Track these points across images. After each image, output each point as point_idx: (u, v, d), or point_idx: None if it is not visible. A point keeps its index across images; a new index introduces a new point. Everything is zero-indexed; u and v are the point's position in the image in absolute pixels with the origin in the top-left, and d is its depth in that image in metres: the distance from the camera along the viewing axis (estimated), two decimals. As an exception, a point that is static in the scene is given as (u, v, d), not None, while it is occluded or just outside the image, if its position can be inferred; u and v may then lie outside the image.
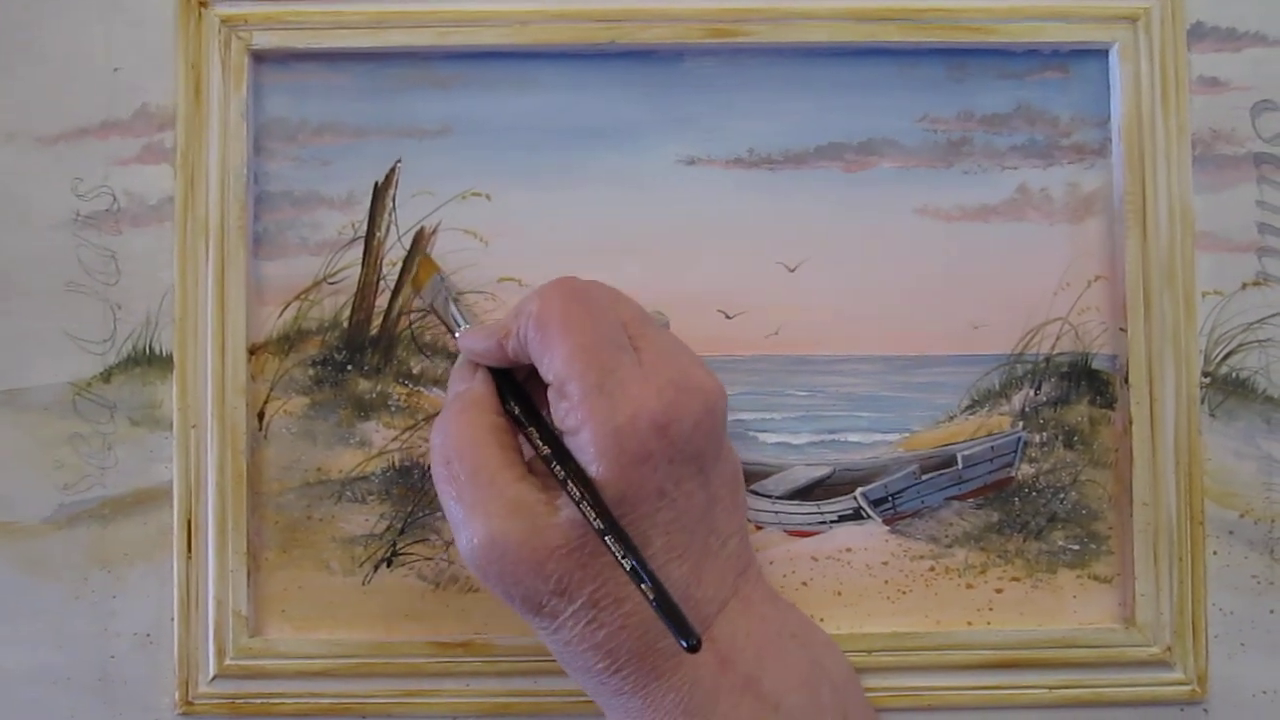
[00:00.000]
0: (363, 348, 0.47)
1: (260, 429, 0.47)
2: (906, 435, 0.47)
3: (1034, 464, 0.47)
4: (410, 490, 0.47)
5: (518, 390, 0.42)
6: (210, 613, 0.46)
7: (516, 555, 0.38)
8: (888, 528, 0.47)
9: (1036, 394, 0.47)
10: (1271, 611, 0.46)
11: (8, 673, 0.46)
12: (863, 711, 0.43)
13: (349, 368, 0.47)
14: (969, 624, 0.47)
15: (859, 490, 0.47)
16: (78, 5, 0.47)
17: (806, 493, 0.47)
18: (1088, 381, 0.47)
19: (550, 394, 0.40)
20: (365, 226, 0.47)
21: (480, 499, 0.39)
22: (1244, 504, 0.47)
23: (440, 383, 0.47)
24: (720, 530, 0.41)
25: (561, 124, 0.47)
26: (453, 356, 0.47)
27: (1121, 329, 0.47)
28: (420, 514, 0.47)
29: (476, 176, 0.47)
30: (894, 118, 0.47)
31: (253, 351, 0.47)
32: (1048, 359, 0.47)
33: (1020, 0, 0.47)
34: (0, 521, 0.46)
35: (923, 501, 0.47)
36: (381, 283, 0.47)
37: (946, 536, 0.47)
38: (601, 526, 0.37)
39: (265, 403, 0.47)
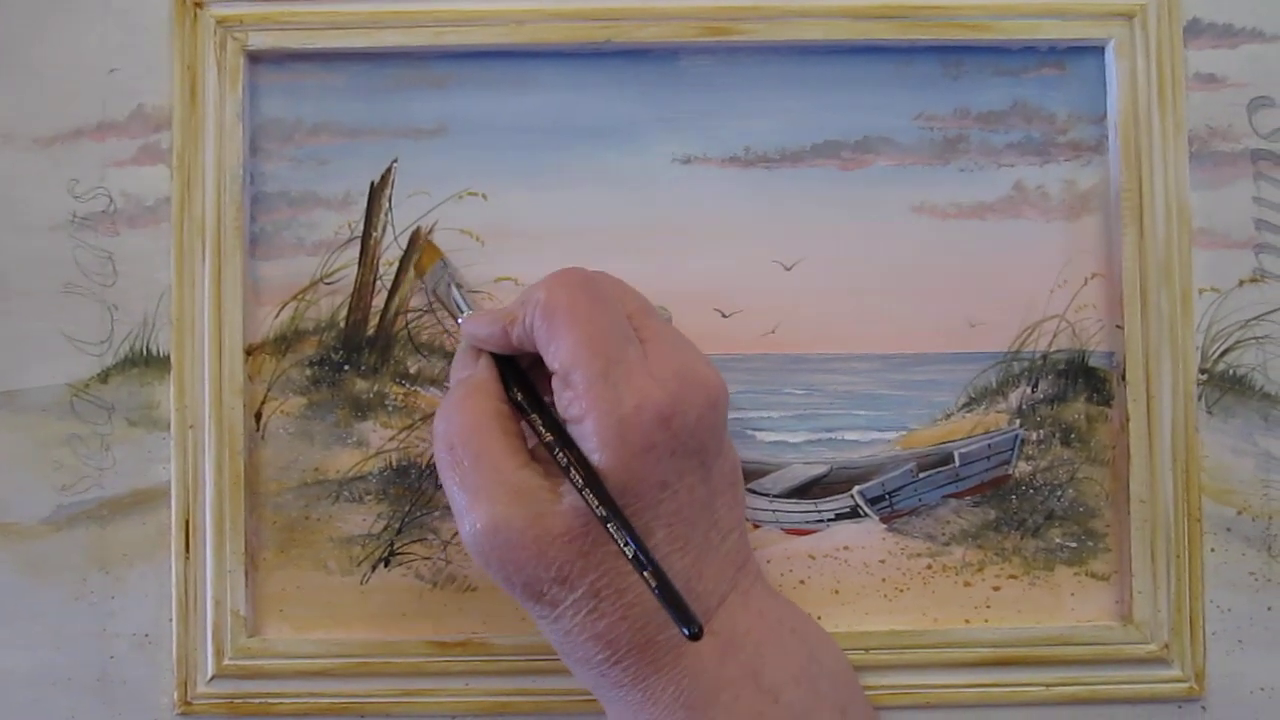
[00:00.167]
0: (360, 348, 0.47)
1: (258, 429, 0.47)
2: (904, 433, 0.47)
3: (1031, 461, 0.47)
4: (408, 490, 0.47)
5: (521, 377, 0.42)
6: (209, 613, 0.46)
7: (519, 541, 0.38)
8: (885, 526, 0.47)
9: (1033, 391, 0.47)
10: (1269, 608, 0.46)
11: (7, 673, 0.46)
12: (860, 706, 0.43)
13: (346, 368, 0.47)
14: (966, 622, 0.47)
15: (856, 488, 0.47)
16: (73, 7, 0.47)
17: (804, 491, 0.47)
18: (1085, 379, 0.47)
19: (555, 383, 0.40)
20: (362, 227, 0.47)
21: (484, 485, 0.39)
22: (1241, 501, 0.46)
23: (437, 383, 0.47)
24: (721, 525, 0.41)
25: (558, 123, 0.47)
26: (449, 357, 0.47)
27: (1118, 326, 0.47)
28: (418, 513, 0.47)
29: (473, 176, 0.47)
30: (890, 115, 0.47)
31: (250, 352, 0.47)
32: (1045, 356, 0.47)
33: (1016, -3, 0.47)
34: (-1, 523, 0.46)
35: (920, 499, 0.47)
36: (378, 283, 0.47)
37: (944, 534, 0.47)
38: (604, 514, 0.37)
39: (263, 403, 0.47)
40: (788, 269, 0.47)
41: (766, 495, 0.47)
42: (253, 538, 0.46)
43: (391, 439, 0.47)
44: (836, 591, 0.47)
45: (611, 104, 0.47)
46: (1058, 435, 0.47)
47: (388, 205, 0.47)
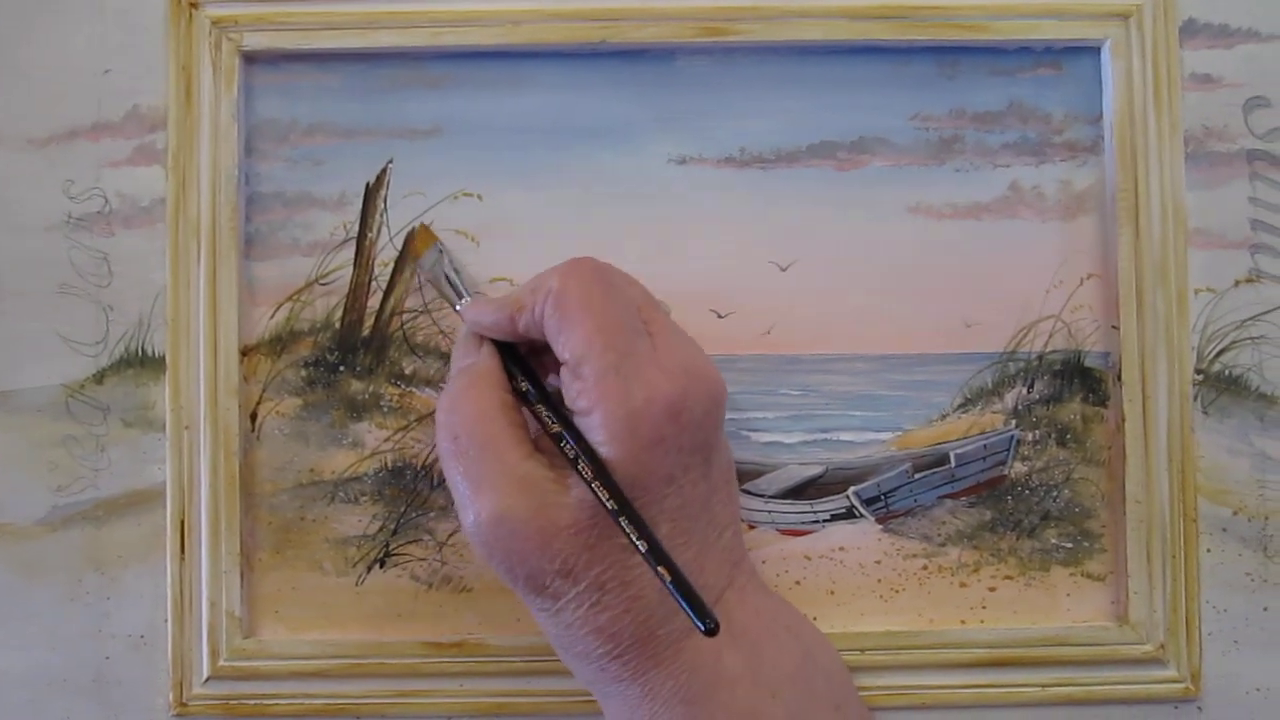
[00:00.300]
0: (355, 348, 0.47)
1: (253, 430, 0.47)
2: (899, 434, 0.47)
3: (1027, 462, 0.47)
4: (403, 491, 0.47)
5: (525, 366, 0.42)
6: (204, 614, 0.46)
7: (524, 532, 0.38)
8: (881, 526, 0.47)
9: (1029, 392, 0.47)
10: (1265, 609, 0.46)
11: (2, 674, 0.46)
12: (855, 704, 0.43)
13: (341, 369, 0.47)
14: (962, 622, 0.47)
15: (852, 489, 0.47)
16: (67, 7, 0.47)
17: (799, 492, 0.47)
18: (1080, 379, 0.47)
19: (564, 373, 0.40)
20: (357, 227, 0.47)
21: (488, 475, 0.39)
22: (1237, 501, 0.46)
23: (433, 383, 0.47)
24: (718, 521, 0.41)
25: (553, 124, 0.47)
26: (445, 358, 0.47)
27: (1114, 326, 0.47)
28: (413, 514, 0.47)
29: (468, 177, 0.47)
30: (886, 116, 0.47)
31: (245, 353, 0.47)
32: (1040, 357, 0.47)
33: (1012, -3, 0.47)
34: (-6, 523, 0.46)
35: (915, 500, 0.47)
36: (374, 283, 0.47)
37: (939, 535, 0.47)
38: (614, 507, 0.37)
39: (258, 404, 0.47)
40: (783, 269, 0.47)
41: (762, 496, 0.47)
42: (248, 539, 0.46)
43: (387, 440, 0.47)
44: (832, 592, 0.47)
45: (607, 104, 0.47)
46: (1053, 436, 0.47)
47: (383, 206, 0.47)
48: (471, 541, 0.39)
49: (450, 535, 0.47)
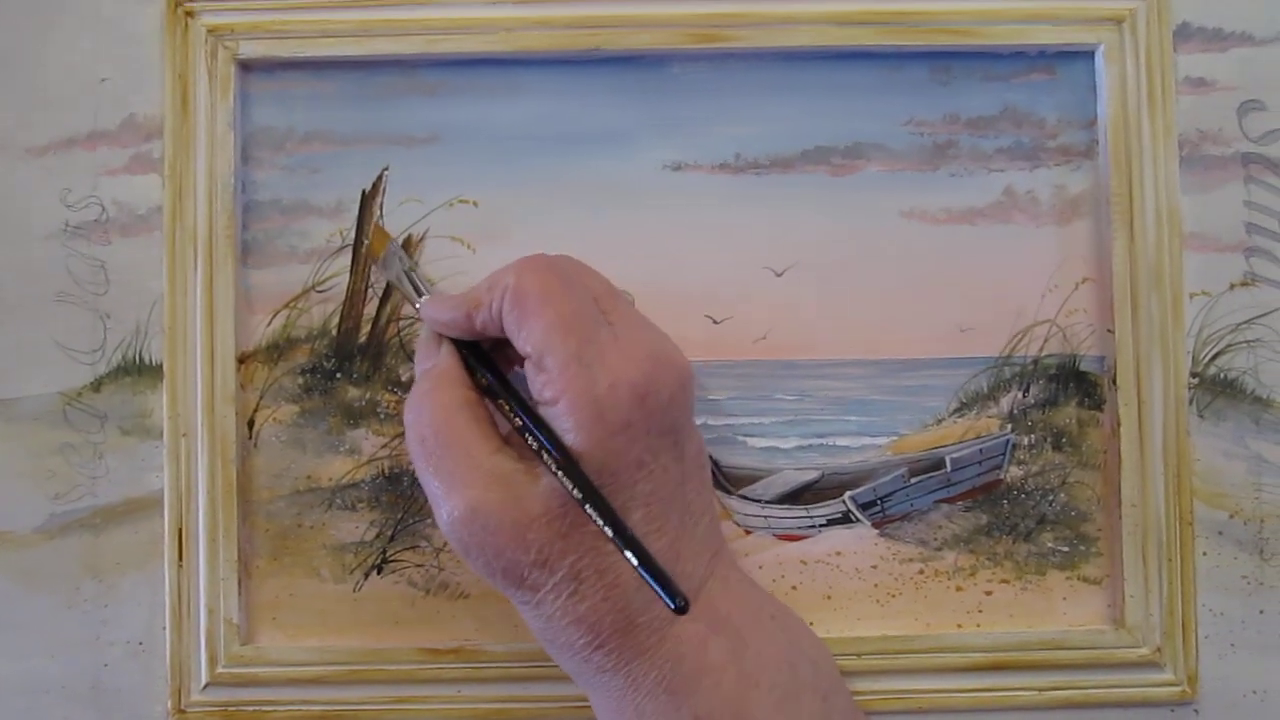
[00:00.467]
0: (352, 355, 0.47)
1: (250, 437, 0.47)
2: (895, 438, 0.47)
3: (1023, 466, 0.47)
4: (400, 497, 0.47)
5: (486, 362, 0.42)
6: (202, 621, 0.46)
7: (497, 525, 0.38)
8: (877, 531, 0.47)
9: (1025, 396, 0.47)
10: (1261, 612, 0.46)
11: (1, 682, 0.46)
12: (841, 693, 0.43)
13: (338, 375, 0.47)
14: (959, 626, 0.47)
15: (848, 494, 0.47)
16: (64, 16, 0.47)
17: (795, 497, 0.47)
18: (1076, 383, 0.47)
19: (528, 367, 0.40)
20: (353, 234, 0.47)
21: (458, 471, 0.39)
22: (1233, 504, 0.47)
23: (429, 390, 0.47)
24: (693, 509, 0.42)
25: (548, 130, 0.47)
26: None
27: (1109, 330, 0.47)
28: (410, 521, 0.47)
29: (464, 183, 0.47)
30: (880, 121, 0.47)
31: (242, 360, 0.47)
32: (1036, 361, 0.47)
33: (1005, 2, 0.47)
34: (-8, 531, 0.46)
35: (911, 505, 0.47)
36: (370, 290, 0.47)
37: (935, 539, 0.47)
38: (580, 495, 0.38)
39: (255, 411, 0.47)
40: (778, 275, 0.47)
41: (758, 501, 0.47)
42: (245, 545, 0.46)
43: (383, 447, 0.47)
44: (829, 597, 0.47)
45: (602, 111, 0.47)
46: (1049, 440, 0.47)
47: (379, 213, 0.47)
48: (448, 539, 0.40)
49: (447, 542, 0.47)
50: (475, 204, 0.47)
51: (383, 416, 0.47)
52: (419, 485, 0.46)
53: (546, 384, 0.39)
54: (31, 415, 0.47)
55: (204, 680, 0.46)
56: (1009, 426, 0.47)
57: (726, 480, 0.47)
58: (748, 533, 0.47)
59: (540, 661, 0.45)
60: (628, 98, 0.47)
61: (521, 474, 0.39)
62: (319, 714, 0.46)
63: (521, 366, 0.41)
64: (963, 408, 0.47)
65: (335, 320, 0.47)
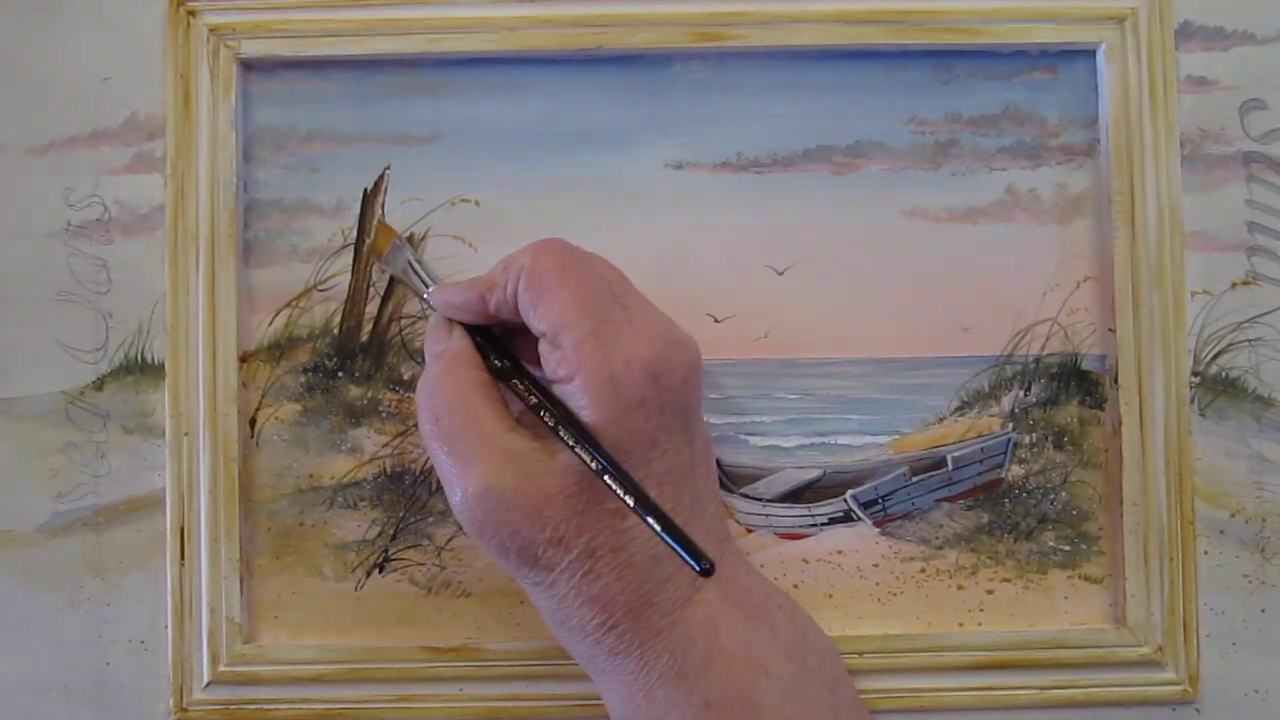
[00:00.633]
0: (353, 354, 0.47)
1: (252, 436, 0.47)
2: (896, 437, 0.47)
3: (1024, 465, 0.47)
4: (402, 496, 0.47)
5: (498, 344, 0.43)
6: (204, 619, 0.46)
7: (512, 502, 0.38)
8: (878, 530, 0.47)
9: (1026, 395, 0.47)
10: (1263, 611, 0.46)
11: (3, 681, 0.46)
12: (847, 685, 0.43)
13: (340, 374, 0.47)
14: (960, 625, 0.47)
15: (849, 492, 0.47)
16: (66, 16, 0.47)
17: (797, 495, 0.47)
18: (1077, 382, 0.47)
19: (542, 346, 0.40)
20: (355, 233, 0.47)
21: (473, 451, 0.39)
22: (1235, 503, 0.46)
23: (431, 389, 0.47)
24: (702, 494, 0.42)
25: (550, 129, 0.47)
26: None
27: (1111, 329, 0.47)
28: (412, 519, 0.47)
29: (465, 182, 0.47)
30: (882, 120, 0.47)
31: (244, 359, 0.47)
32: (1037, 360, 0.47)
33: (1007, 1, 0.46)
34: (-5, 530, 0.47)
35: (913, 503, 0.47)
36: (372, 289, 0.47)
37: (937, 538, 0.47)
38: (599, 466, 0.38)
39: (257, 410, 0.47)
40: (780, 273, 0.47)
41: (760, 500, 0.47)
42: (247, 544, 0.46)
43: (385, 445, 0.47)
44: (830, 595, 0.47)
45: (604, 110, 0.47)
46: (1050, 439, 0.47)
47: (381, 212, 0.47)
48: (461, 520, 0.39)
49: (449, 540, 0.47)
50: (477, 203, 0.47)
51: (384, 415, 0.47)
52: (420, 484, 0.47)
53: (561, 361, 0.39)
54: (34, 414, 0.47)
55: (206, 679, 0.46)
56: (1010, 425, 0.47)
57: (728, 479, 0.47)
58: (749, 531, 0.47)
59: (542, 660, 0.46)
60: (629, 96, 0.47)
61: (537, 451, 0.39)
62: (321, 712, 0.46)
63: (531, 357, 0.41)
64: (964, 406, 0.47)
65: (337, 319, 0.47)
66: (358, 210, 0.47)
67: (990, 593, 0.47)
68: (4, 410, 0.47)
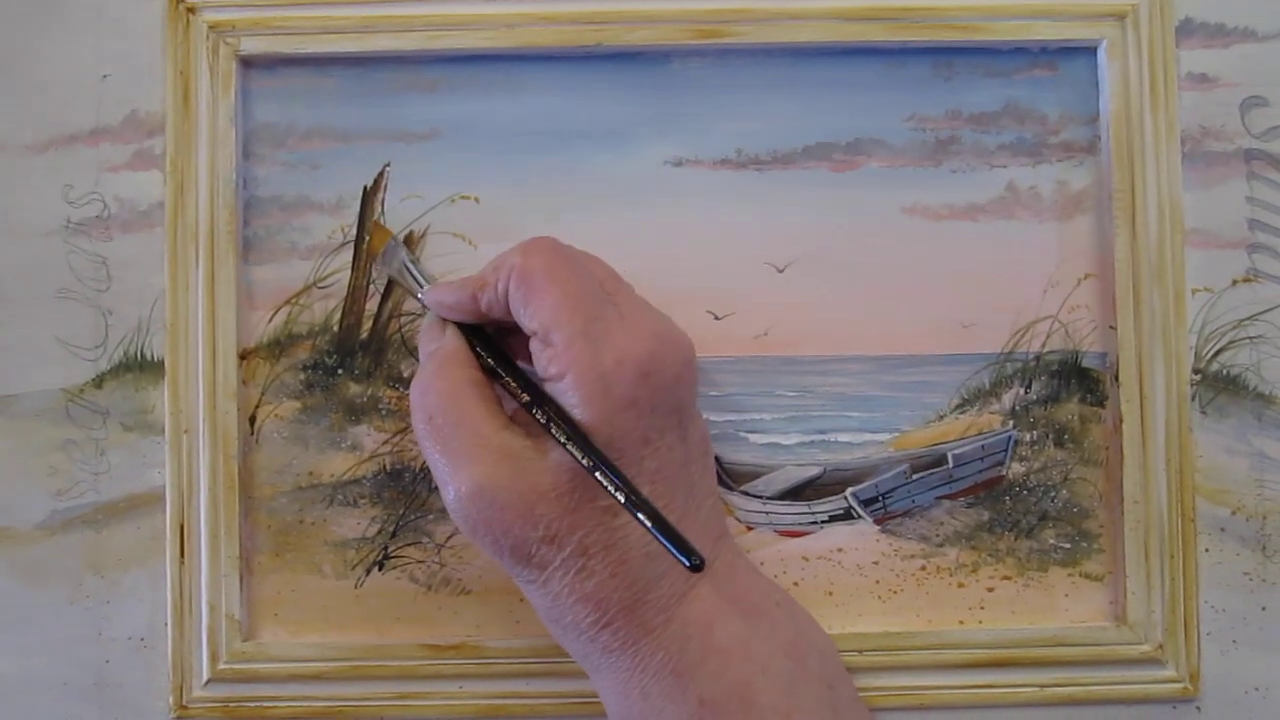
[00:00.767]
0: (353, 352, 0.47)
1: (252, 433, 0.47)
2: (897, 435, 0.47)
3: (1024, 462, 0.47)
4: (402, 493, 0.47)
5: (490, 343, 0.43)
6: (203, 617, 0.46)
7: (505, 500, 0.39)
8: (879, 527, 0.47)
9: (1027, 392, 0.47)
10: (1264, 608, 0.46)
11: (2, 678, 0.46)
12: (847, 683, 0.43)
13: (340, 372, 0.47)
14: (960, 623, 0.47)
15: (849, 490, 0.47)
16: (66, 13, 0.47)
17: (797, 493, 0.47)
18: (1078, 379, 0.47)
19: (533, 344, 0.40)
20: (355, 230, 0.47)
21: (465, 449, 0.39)
22: (1235, 501, 0.46)
23: (430, 386, 0.47)
24: (697, 491, 0.42)
25: (550, 126, 0.47)
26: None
27: (1111, 327, 0.47)
28: (412, 517, 0.47)
29: (465, 179, 0.47)
30: (882, 117, 0.47)
31: (244, 356, 0.47)
32: (1038, 357, 0.47)
33: (1007, -2, 0.47)
34: (-6, 528, 0.47)
35: (913, 501, 0.47)
36: (371, 286, 0.47)
37: (937, 536, 0.47)
38: (590, 463, 0.38)
39: (256, 407, 0.47)
40: (780, 271, 0.47)
41: (760, 497, 0.47)
42: (247, 542, 0.46)
43: (385, 443, 0.47)
44: (830, 593, 0.47)
45: (603, 107, 0.47)
46: (1051, 436, 0.47)
47: (380, 209, 0.47)
48: (455, 518, 0.40)
49: (449, 538, 0.47)
50: (476, 200, 0.47)
51: (384, 412, 0.47)
52: (420, 481, 0.47)
53: (552, 360, 0.39)
54: (33, 412, 0.47)
55: (205, 676, 0.46)
56: (1011, 423, 0.47)
57: (728, 476, 0.47)
58: (749, 529, 0.47)
59: (541, 658, 0.46)
60: (629, 94, 0.47)
61: (529, 450, 0.39)
62: (320, 710, 0.46)
63: (523, 356, 0.41)
64: (964, 404, 0.47)
65: (337, 316, 0.47)
66: (357, 207, 0.47)
67: (991, 590, 0.47)
68: (3, 407, 0.47)
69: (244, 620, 0.46)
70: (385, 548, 0.47)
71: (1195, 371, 0.47)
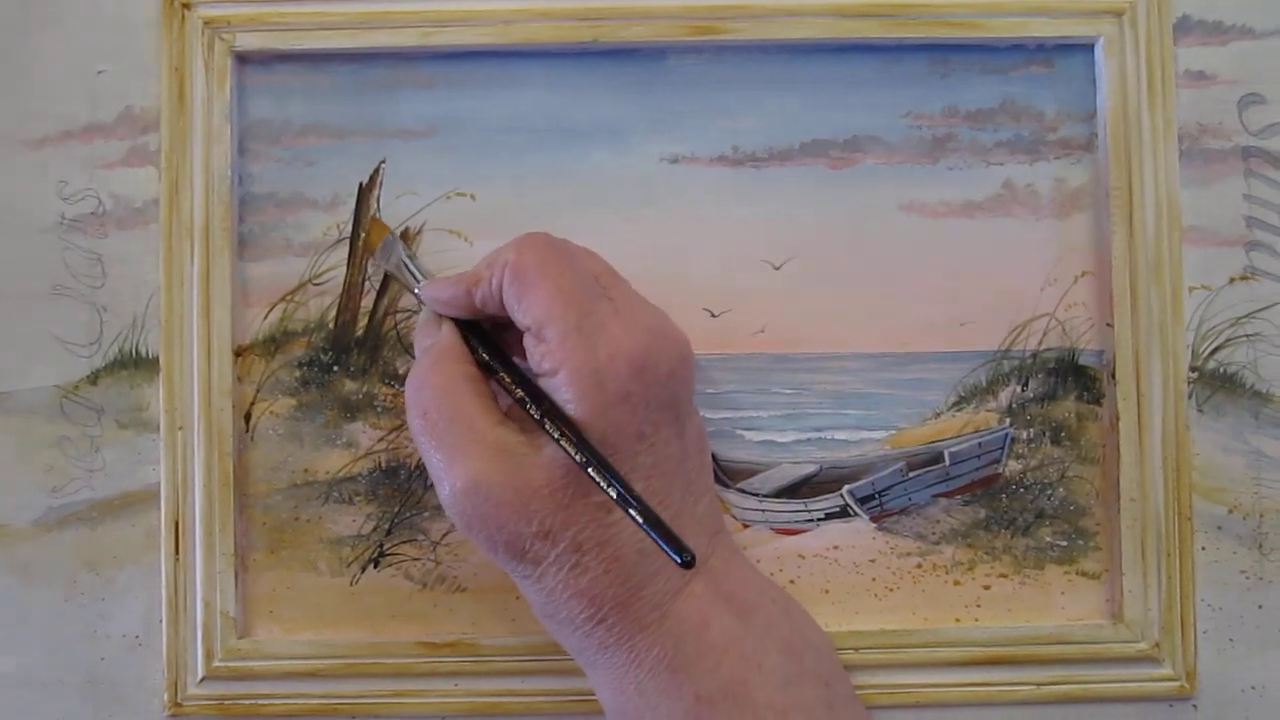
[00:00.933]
0: (349, 349, 0.47)
1: (247, 430, 0.47)
2: (893, 432, 0.47)
3: (1021, 460, 0.47)
4: (397, 490, 0.47)
5: (486, 338, 0.43)
6: (198, 614, 0.46)
7: (500, 496, 0.39)
8: (875, 525, 0.47)
9: (1023, 390, 0.47)
10: (1260, 607, 0.46)
11: (-3, 675, 0.46)
12: (843, 681, 0.43)
13: (335, 369, 0.47)
14: (957, 621, 0.47)
15: (846, 488, 0.47)
16: (61, 9, 0.47)
17: (793, 491, 0.47)
18: (1075, 377, 0.47)
19: (527, 340, 0.40)
20: (350, 227, 0.47)
21: (460, 444, 0.39)
22: (1232, 499, 0.46)
23: (426, 383, 0.47)
24: (694, 487, 0.42)
25: (546, 123, 0.47)
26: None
27: (1108, 324, 0.46)
28: (407, 514, 0.47)
29: (461, 176, 0.47)
30: (879, 114, 0.47)
31: (239, 353, 0.47)
32: (1035, 355, 0.47)
33: (1004, -5, 0.46)
34: (-11, 525, 0.46)
35: (910, 499, 0.47)
36: (367, 284, 0.47)
37: (934, 534, 0.47)
38: (584, 459, 0.38)
39: (252, 404, 0.47)
40: (777, 268, 0.47)
41: (756, 495, 0.47)
42: (242, 539, 0.46)
43: (381, 440, 0.47)
44: (827, 591, 0.47)
45: (600, 104, 0.47)
46: (1048, 434, 0.47)
47: (376, 206, 0.47)
48: (450, 514, 0.40)
49: (444, 535, 0.47)
50: (472, 197, 0.47)
51: (380, 410, 0.47)
52: (416, 478, 0.47)
53: (546, 355, 0.39)
54: (28, 408, 0.46)
55: (200, 674, 0.46)
56: (1008, 420, 0.47)
57: (724, 474, 0.47)
58: (745, 526, 0.47)
59: (538, 655, 0.45)
60: (625, 90, 0.47)
61: (524, 445, 0.39)
62: (316, 707, 0.46)
63: (519, 352, 0.41)
64: (961, 401, 0.47)
65: (332, 313, 0.47)
66: (353, 204, 0.47)
67: (987, 588, 0.47)
68: (-2, 404, 0.46)
69: (239, 617, 0.46)
70: (380, 545, 0.47)
71: (1192, 369, 0.47)
